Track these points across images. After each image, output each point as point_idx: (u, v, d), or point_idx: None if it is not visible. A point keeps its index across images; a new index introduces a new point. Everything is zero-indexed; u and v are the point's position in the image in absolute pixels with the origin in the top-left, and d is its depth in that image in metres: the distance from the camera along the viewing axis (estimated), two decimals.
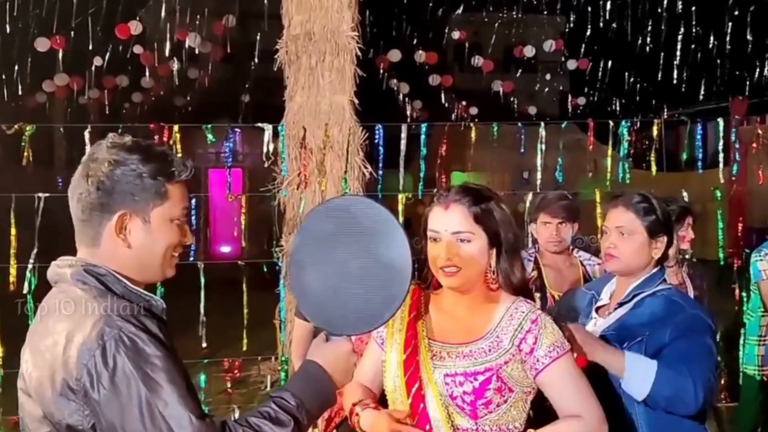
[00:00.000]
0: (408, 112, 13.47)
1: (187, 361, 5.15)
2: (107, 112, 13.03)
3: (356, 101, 5.95)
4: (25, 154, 5.71)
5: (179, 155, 1.77)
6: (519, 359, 2.01)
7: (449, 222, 2.04)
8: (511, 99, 15.34)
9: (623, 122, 6.25)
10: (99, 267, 1.61)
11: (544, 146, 5.99)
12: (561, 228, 3.65)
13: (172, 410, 1.46)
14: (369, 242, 1.67)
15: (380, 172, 5.82)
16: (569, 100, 14.76)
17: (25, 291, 5.51)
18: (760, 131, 8.51)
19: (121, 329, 1.50)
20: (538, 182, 6.36)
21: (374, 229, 1.67)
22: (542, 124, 6.15)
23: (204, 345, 6.02)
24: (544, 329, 2.03)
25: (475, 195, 2.09)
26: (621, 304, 2.51)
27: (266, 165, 5.90)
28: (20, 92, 11.71)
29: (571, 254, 3.74)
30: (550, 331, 2.03)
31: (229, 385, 6.02)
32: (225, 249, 15.42)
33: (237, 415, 5.94)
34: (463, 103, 14.71)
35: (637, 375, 2.27)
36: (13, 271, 5.53)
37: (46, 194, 5.53)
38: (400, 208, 5.68)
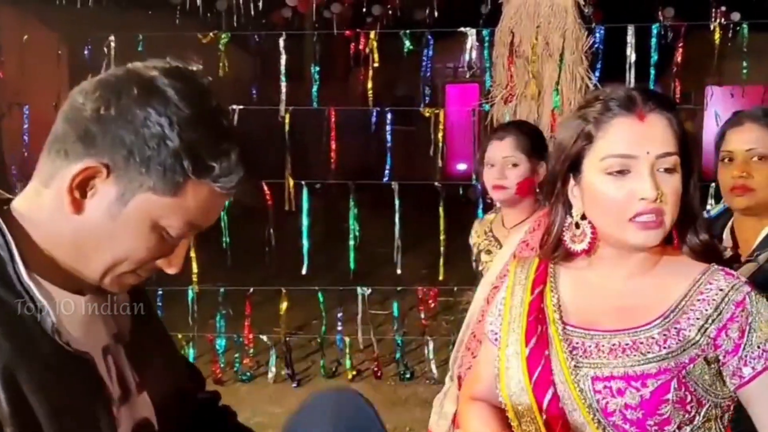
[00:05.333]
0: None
1: (380, 287, 4.77)
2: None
3: (582, 2, 5.15)
4: (221, 63, 5.48)
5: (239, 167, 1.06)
6: (713, 358, 1.30)
7: (652, 140, 1.33)
8: None
9: None
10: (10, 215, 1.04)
11: None
12: None
13: None
14: None
15: (594, 81, 4.93)
16: None
17: None
18: None
19: None
20: None
21: None
22: None
23: (399, 272, 5.60)
24: (757, 316, 1.30)
25: (669, 102, 1.39)
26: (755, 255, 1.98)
27: (468, 75, 5.26)
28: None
29: None
30: (765, 319, 1.30)
31: (422, 316, 5.58)
32: (461, 166, 15.12)
33: (431, 348, 5.64)
34: (723, 8, 12.90)
35: None
36: None
37: (240, 106, 5.30)
38: None
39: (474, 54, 5.40)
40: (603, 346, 1.35)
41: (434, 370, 5.27)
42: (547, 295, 1.45)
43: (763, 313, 1.31)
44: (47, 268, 1.03)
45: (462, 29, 5.37)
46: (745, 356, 1.29)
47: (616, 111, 1.34)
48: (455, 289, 5.47)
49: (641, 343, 1.33)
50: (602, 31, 5.11)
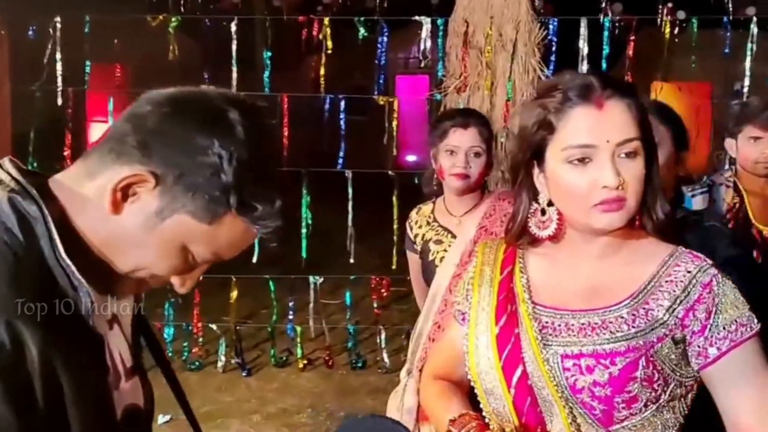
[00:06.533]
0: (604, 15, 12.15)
1: (332, 276, 4.71)
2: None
3: None
4: (170, 47, 5.38)
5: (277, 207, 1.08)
6: (680, 338, 1.34)
7: (611, 128, 1.33)
8: (726, 1, 13.54)
9: None
10: (53, 199, 1.01)
11: (754, 47, 4.89)
12: None
13: None
14: None
15: (547, 73, 4.97)
16: None
17: None
18: None
19: None
20: (745, 91, 5.26)
21: None
22: (754, 19, 4.99)
23: (351, 260, 5.57)
24: (723, 298, 1.33)
25: (628, 87, 1.41)
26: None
27: (420, 65, 5.26)
28: None
29: None
30: (731, 301, 1.34)
31: (375, 305, 5.57)
32: (414, 156, 15.13)
33: (384, 337, 5.63)
34: (669, 5, 13.12)
35: None
36: None
37: None
38: None
39: (428, 44, 5.39)
40: (573, 325, 1.37)
41: (386, 359, 5.27)
42: (516, 275, 1.47)
43: (728, 295, 1.34)
44: (83, 247, 1.03)
45: (416, 18, 5.36)
46: (711, 337, 1.32)
47: (575, 101, 1.34)
48: (408, 278, 5.47)
49: (610, 322, 1.35)
50: (555, 23, 5.15)
